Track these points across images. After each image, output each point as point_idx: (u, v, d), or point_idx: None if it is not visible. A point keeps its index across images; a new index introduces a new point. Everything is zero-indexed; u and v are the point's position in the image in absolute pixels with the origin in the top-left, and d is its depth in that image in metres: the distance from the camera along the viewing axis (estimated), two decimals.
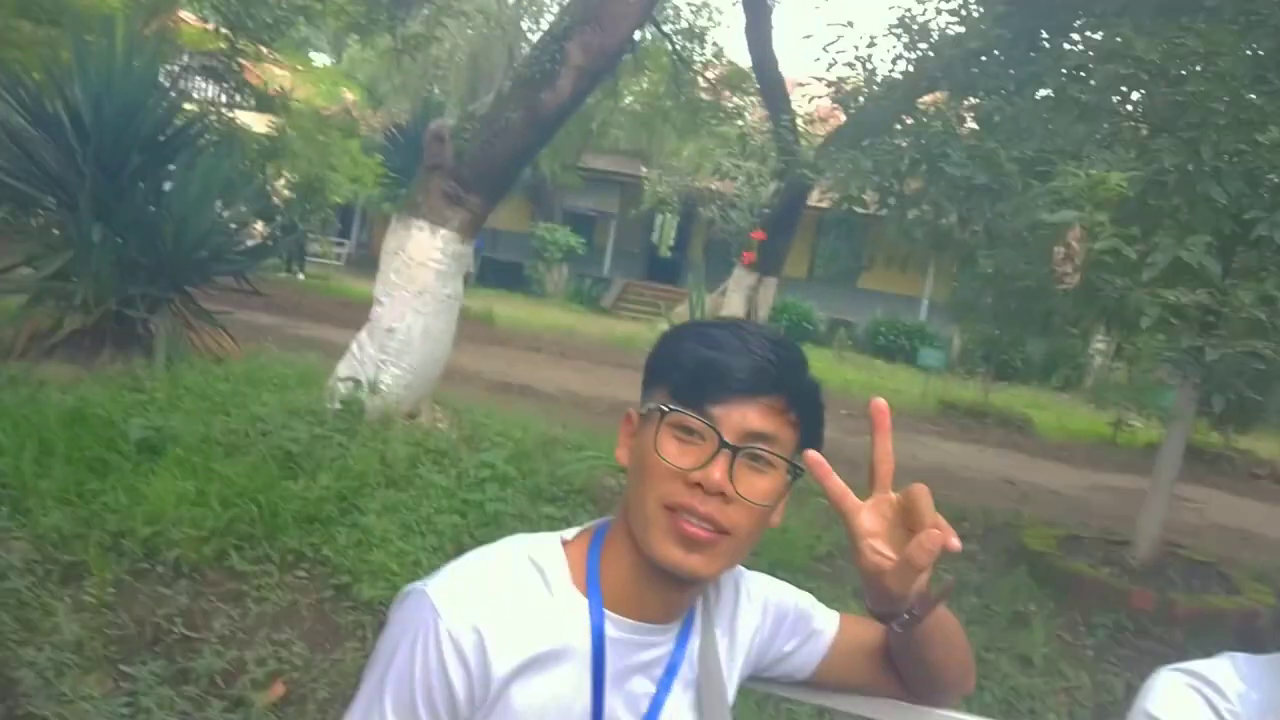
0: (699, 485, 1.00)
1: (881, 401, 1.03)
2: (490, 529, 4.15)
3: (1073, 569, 4.80)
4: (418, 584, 1.06)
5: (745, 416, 1.02)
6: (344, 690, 3.11)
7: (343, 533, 3.84)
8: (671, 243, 26.87)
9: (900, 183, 4.45)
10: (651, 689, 1.11)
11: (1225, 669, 1.04)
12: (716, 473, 1.00)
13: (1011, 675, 3.82)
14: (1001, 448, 10.81)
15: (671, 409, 1.03)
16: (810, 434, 1.08)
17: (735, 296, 10.62)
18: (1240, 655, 1.08)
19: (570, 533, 1.14)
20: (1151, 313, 2.97)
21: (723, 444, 1.01)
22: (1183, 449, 5.01)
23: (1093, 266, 3.03)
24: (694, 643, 1.15)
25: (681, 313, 15.68)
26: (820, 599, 1.31)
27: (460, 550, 4.22)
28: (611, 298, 22.86)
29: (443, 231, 5.06)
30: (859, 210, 4.93)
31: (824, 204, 5.65)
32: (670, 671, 1.12)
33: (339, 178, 14.91)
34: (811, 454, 1.02)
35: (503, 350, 12.15)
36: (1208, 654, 3.56)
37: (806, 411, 1.07)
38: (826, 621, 1.27)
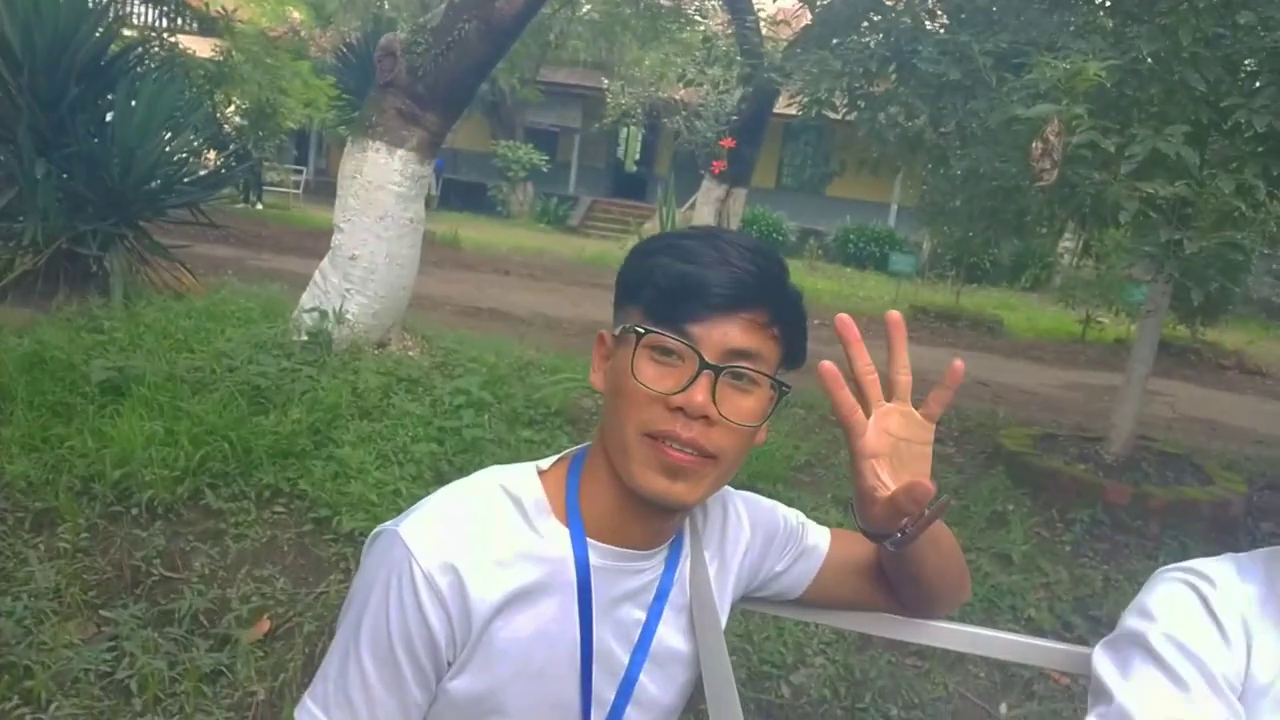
0: (680, 410, 0.95)
1: (845, 317, 0.98)
2: (469, 455, 4.12)
3: (1049, 467, 4.85)
4: (388, 525, 1.01)
5: (726, 334, 0.96)
6: (330, 623, 3.09)
7: (319, 466, 3.78)
8: (637, 157, 26.47)
9: (870, 83, 4.32)
10: (641, 616, 1.07)
11: (1223, 566, 1.02)
12: (699, 396, 0.94)
13: (992, 574, 3.87)
14: (974, 350, 10.89)
15: (647, 330, 0.96)
16: (793, 347, 1.02)
17: (704, 209, 10.50)
18: (1243, 554, 1.06)
19: (546, 462, 1.09)
20: (1130, 206, 2.92)
21: (704, 364, 0.95)
22: (1156, 343, 5.04)
23: (1069, 162, 2.96)
24: (684, 566, 1.11)
25: (652, 229, 15.52)
26: (801, 509, 1.28)
27: (440, 478, 4.20)
28: (579, 216, 22.57)
29: (400, 152, 4.89)
30: (829, 115, 4.80)
31: (792, 110, 5.50)
32: (660, 597, 1.08)
33: (291, 102, 14.43)
34: (826, 366, 0.95)
35: (471, 274, 11.99)
36: (1183, 545, 3.63)
37: (789, 324, 1.01)
38: (818, 539, 1.23)
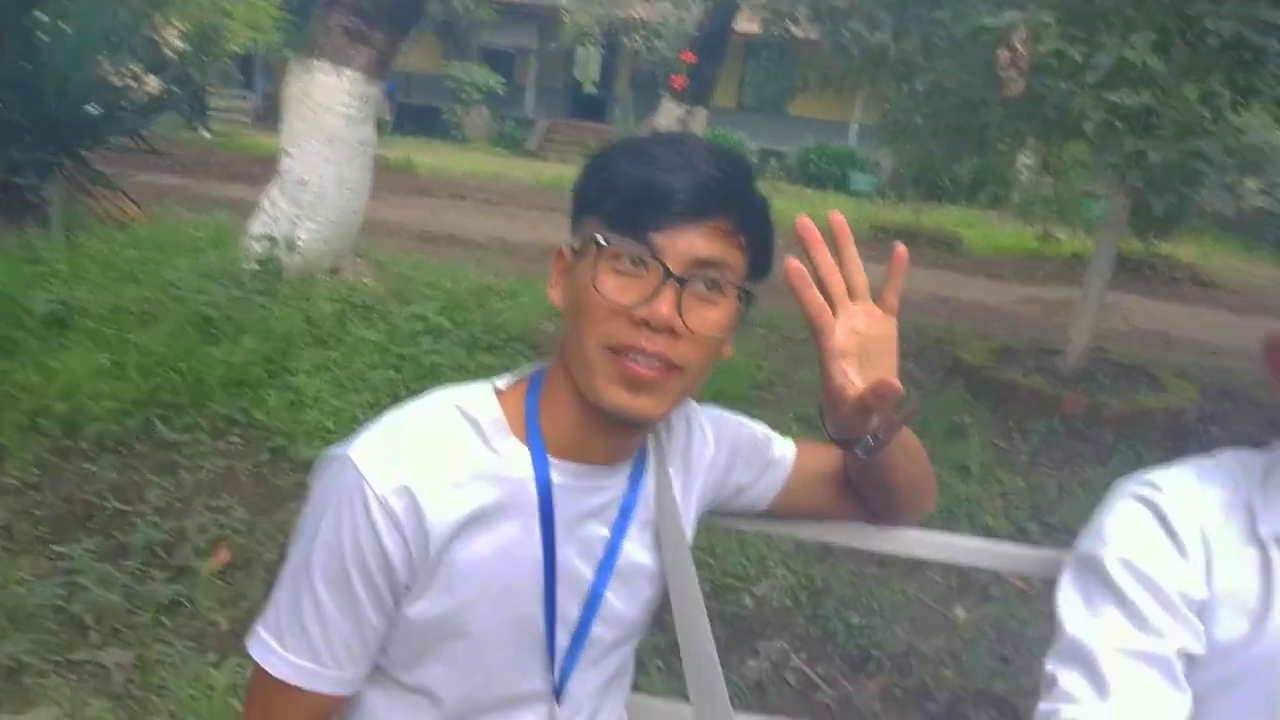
0: (645, 322, 0.91)
1: (805, 218, 0.96)
2: (427, 382, 4.08)
3: (1007, 379, 4.90)
4: (337, 448, 0.98)
5: (692, 242, 0.92)
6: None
7: (273, 395, 3.73)
8: (596, 78, 25.89)
9: None
10: (606, 533, 1.05)
11: (1182, 475, 1.01)
12: (664, 307, 0.90)
13: (951, 484, 3.93)
14: (934, 267, 10.93)
15: (609, 239, 0.92)
16: (760, 257, 0.99)
17: (665, 127, 10.34)
18: (1207, 457, 1.04)
19: (503, 380, 1.05)
20: (1096, 116, 2.88)
21: (668, 274, 0.91)
22: (1113, 257, 5.07)
23: (1035, 72, 2.91)
24: (648, 482, 1.08)
25: None
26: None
27: (397, 404, 4.16)
28: (536, 139, 22.12)
29: (347, 72, 4.72)
30: (793, 30, 4.70)
31: (753, 26, 5.39)
32: (625, 513, 1.06)
33: (235, 24, 13.91)
34: (793, 263, 0.93)
35: (426, 200, 11.76)
36: (1137, 453, 3.67)
37: (755, 232, 0.97)
38: (784, 450, 1.21)
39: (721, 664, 1.09)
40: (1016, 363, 5.27)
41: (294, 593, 0.96)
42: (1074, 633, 0.93)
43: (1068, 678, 0.91)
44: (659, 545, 1.09)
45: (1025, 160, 15.64)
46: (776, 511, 1.22)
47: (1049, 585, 3.11)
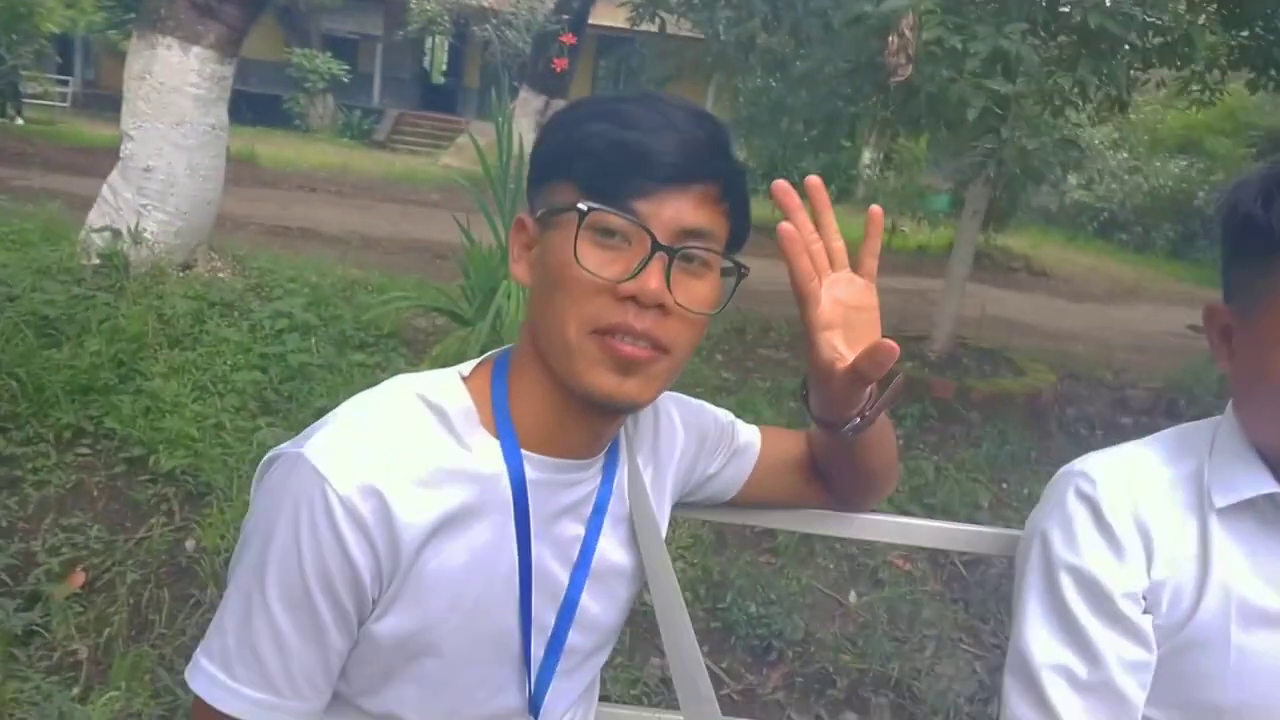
0: (632, 299, 0.83)
1: (783, 183, 0.91)
2: (296, 383, 3.87)
3: None
4: (286, 447, 0.86)
5: (679, 210, 0.84)
6: (157, 570, 2.83)
7: (126, 401, 3.44)
8: (445, 68, 25.34)
9: None
10: (580, 531, 0.97)
11: (1120, 462, 1.02)
12: (653, 282, 0.82)
13: None
14: None
15: (592, 207, 0.83)
16: (740, 227, 0.92)
17: (522, 121, 10.18)
18: (1152, 438, 1.06)
19: (466, 368, 0.95)
20: (976, 103, 2.98)
21: (656, 245, 0.83)
22: (973, 246, 5.29)
23: (916, 60, 2.98)
24: (621, 475, 1.01)
25: (465, 144, 14.96)
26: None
27: (266, 408, 3.90)
28: (385, 130, 21.44)
29: (196, 50, 4.39)
30: (654, 24, 4.67)
31: (606, 20, 5.34)
32: (599, 509, 0.98)
33: (50, 2, 12.82)
34: (786, 227, 0.87)
35: (273, 192, 11.19)
36: (1002, 432, 3.82)
37: (738, 200, 0.90)
38: (749, 436, 1.16)
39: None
40: None
41: (243, 615, 0.83)
42: (1025, 646, 0.98)
43: (1019, 701, 0.97)
44: (635, 542, 1.02)
45: (870, 155, 16.33)
46: (741, 500, 1.18)
47: (935, 565, 3.16)
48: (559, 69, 7.33)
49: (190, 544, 2.97)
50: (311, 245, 7.65)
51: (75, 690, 2.33)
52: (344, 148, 18.69)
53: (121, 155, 4.49)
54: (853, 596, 3.39)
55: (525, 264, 0.92)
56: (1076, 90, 2.96)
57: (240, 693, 0.83)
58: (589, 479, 0.97)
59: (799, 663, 2.99)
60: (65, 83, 19.61)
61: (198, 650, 0.85)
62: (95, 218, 4.49)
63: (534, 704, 0.97)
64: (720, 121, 0.91)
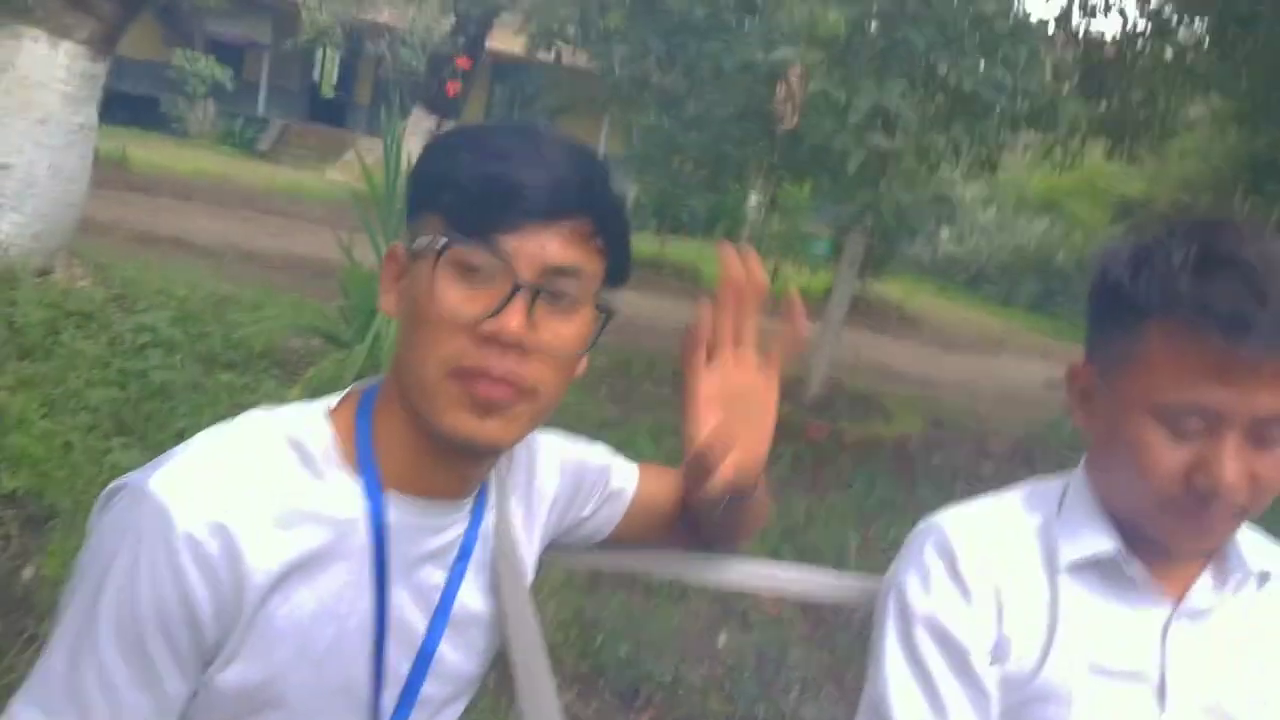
0: (492, 338, 0.80)
1: (727, 244, 0.91)
2: (157, 402, 3.67)
3: None
4: (131, 477, 0.80)
5: (544, 246, 0.81)
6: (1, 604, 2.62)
7: None
8: (335, 81, 24.79)
9: (604, 17, 4.24)
10: (442, 578, 0.93)
11: (979, 516, 1.05)
12: (513, 321, 0.79)
13: None
14: (678, 296, 11.32)
15: (449, 241, 0.80)
16: (618, 262, 0.89)
17: (414, 140, 10.04)
18: (1012, 490, 1.09)
19: (334, 399, 0.91)
20: (857, 156, 3.08)
21: (518, 283, 0.80)
22: (850, 292, 5.46)
23: (801, 110, 3.08)
24: (489, 518, 0.98)
25: (351, 160, 14.62)
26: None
27: (123, 428, 3.69)
28: (269, 140, 20.77)
29: (66, 45, 4.15)
30: (559, 48, 4.69)
31: (502, 46, 5.34)
32: (463, 555, 0.95)
33: None
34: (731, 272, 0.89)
35: (144, 198, 10.67)
36: (871, 475, 3.92)
37: (614, 235, 0.87)
38: (623, 480, 1.14)
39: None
40: None
41: (71, 658, 0.77)
42: (880, 696, 0.99)
43: None
44: (496, 589, 0.98)
45: (755, 198, 16.74)
46: (613, 540, 1.16)
47: (804, 609, 3.19)
48: (451, 92, 7.26)
49: (28, 572, 2.76)
50: (183, 256, 7.31)
51: None
52: (224, 156, 18.01)
53: None
54: (723, 639, 3.41)
55: (394, 296, 0.88)
56: (950, 149, 3.12)
57: None
58: (457, 522, 0.94)
59: (668, 706, 2.98)
60: None
61: (15, 696, 0.78)
62: None
63: None
64: (596, 155, 0.90)
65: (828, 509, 4.37)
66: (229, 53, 20.96)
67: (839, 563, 3.99)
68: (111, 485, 0.81)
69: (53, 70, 4.14)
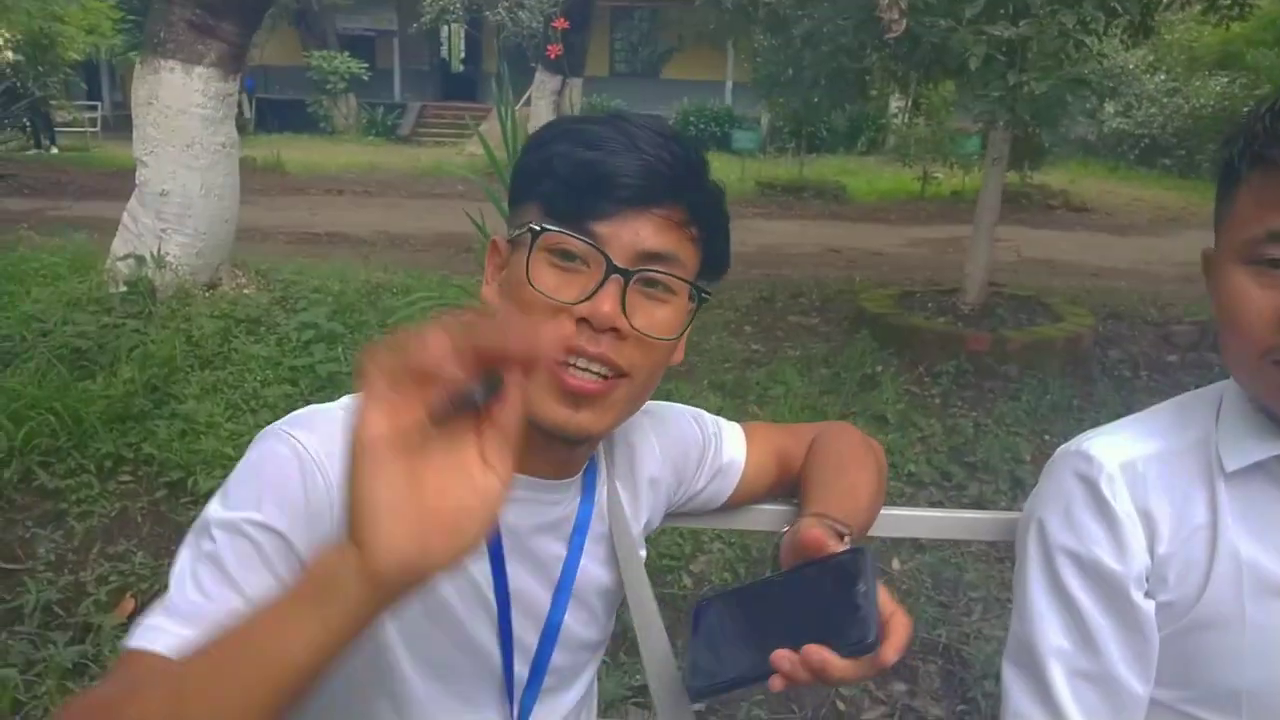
0: (585, 321, 0.81)
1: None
2: (328, 393, 3.89)
3: (911, 324, 4.96)
4: (270, 428, 0.85)
5: (637, 233, 0.82)
6: None
7: (162, 426, 3.50)
8: (463, 55, 25.30)
9: None
10: (561, 550, 0.96)
11: (1120, 441, 0.97)
12: (606, 304, 0.80)
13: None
14: (821, 219, 11.06)
15: (544, 228, 0.82)
16: (714, 253, 0.89)
17: (540, 104, 10.15)
18: (1153, 410, 1.02)
19: None
20: (978, 51, 2.88)
21: (611, 268, 0.81)
22: (1000, 191, 5.16)
23: (914, 11, 2.89)
24: (601, 493, 1.00)
25: (490, 130, 14.94)
26: (679, 400, 1.20)
27: None
28: (409, 124, 21.49)
29: (198, 69, 4.41)
30: None
31: None
32: (580, 529, 0.97)
33: (70, 29, 13.01)
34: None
35: (301, 198, 11.30)
36: (1042, 383, 3.74)
37: (709, 224, 0.88)
38: (734, 449, 1.14)
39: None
40: (918, 306, 5.33)
41: (193, 559, 0.78)
42: (1028, 635, 0.95)
43: (1021, 692, 0.95)
44: (614, 560, 1.00)
45: (897, 104, 16.01)
46: (732, 504, 1.17)
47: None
48: (553, 54, 7.29)
49: None
50: (339, 250, 7.71)
51: None
52: (370, 146, 18.81)
53: (137, 181, 4.55)
54: (895, 564, 3.35)
55: (495, 285, 0.90)
56: (1080, 27, 2.85)
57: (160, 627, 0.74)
58: (566, 499, 0.96)
59: None
60: (94, 108, 19.97)
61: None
62: (119, 245, 4.56)
63: None
64: (692, 143, 0.89)
65: (996, 421, 4.19)
66: (361, 45, 21.75)
67: (1013, 475, 3.84)
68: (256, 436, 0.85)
69: (190, 96, 4.41)
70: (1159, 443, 0.96)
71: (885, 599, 0.75)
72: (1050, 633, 0.94)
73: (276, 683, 0.57)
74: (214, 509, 0.80)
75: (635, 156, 0.82)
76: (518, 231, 0.86)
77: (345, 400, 0.90)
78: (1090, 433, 1.00)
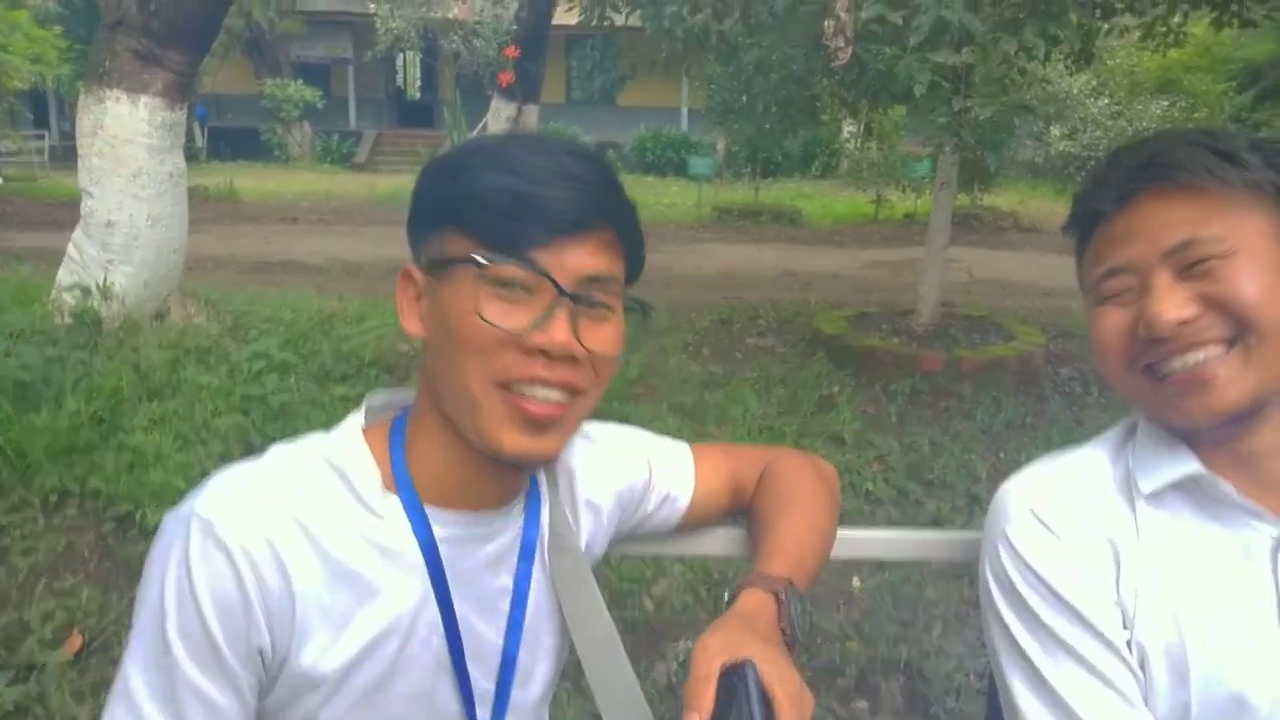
0: (541, 351, 0.81)
1: None
2: (280, 423, 3.83)
3: (866, 345, 5.00)
4: (177, 509, 0.83)
5: (579, 258, 0.82)
6: None
7: (109, 458, 3.43)
8: (419, 84, 25.29)
9: None
10: (508, 581, 0.94)
11: (1068, 468, 0.99)
12: (560, 333, 0.81)
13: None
14: (778, 242, 11.17)
15: (492, 260, 0.80)
16: (634, 262, 0.90)
17: (496, 130, 10.14)
18: (1101, 438, 1.02)
19: (360, 420, 0.92)
20: (923, 78, 2.93)
21: (561, 294, 0.81)
22: (949, 214, 5.24)
23: (860, 38, 2.94)
24: (545, 513, 0.98)
25: None
26: (639, 423, 1.19)
27: (251, 451, 3.88)
28: (364, 152, 21.39)
29: (144, 99, 4.35)
30: (614, 16, 4.63)
31: (571, 19, 5.31)
32: (526, 554, 0.95)
33: (14, 59, 12.79)
34: None
35: (255, 227, 11.18)
36: (995, 400, 3.76)
37: (633, 239, 0.89)
38: (683, 473, 1.12)
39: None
40: (873, 327, 5.39)
41: (148, 678, 0.80)
42: (1037, 673, 0.92)
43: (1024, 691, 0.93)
44: (562, 582, 0.98)
45: (850, 128, 16.25)
46: (682, 527, 1.15)
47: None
48: (504, 82, 7.25)
49: None
50: (294, 278, 7.63)
51: None
52: (325, 174, 18.68)
53: (83, 212, 4.47)
54: (856, 582, 3.36)
55: (416, 317, 0.88)
56: (1022, 54, 2.92)
57: None
58: (506, 527, 0.94)
59: (806, 655, 2.96)
60: (41, 137, 19.62)
61: None
62: (64, 276, 4.47)
63: None
64: (608, 160, 0.90)
65: (952, 439, 4.24)
66: (316, 73, 21.65)
67: (970, 492, 3.88)
68: (161, 521, 0.84)
69: (136, 126, 4.35)
70: (1082, 473, 0.98)
71: (785, 684, 0.76)
72: (1061, 673, 0.92)
73: None
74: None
75: (567, 184, 0.82)
76: (447, 261, 0.83)
77: (286, 450, 0.88)
78: (1021, 472, 1.02)
